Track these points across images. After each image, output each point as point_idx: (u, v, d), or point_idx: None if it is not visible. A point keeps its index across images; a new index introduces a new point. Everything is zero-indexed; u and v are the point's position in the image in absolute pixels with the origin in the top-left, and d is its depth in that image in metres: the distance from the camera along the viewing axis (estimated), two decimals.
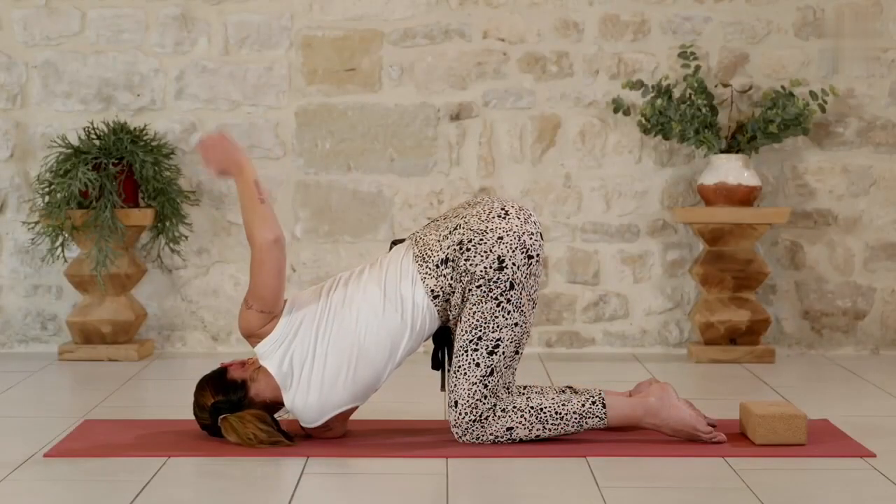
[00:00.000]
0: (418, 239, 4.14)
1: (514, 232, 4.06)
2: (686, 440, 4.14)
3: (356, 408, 4.17)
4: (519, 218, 4.08)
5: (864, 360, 5.89)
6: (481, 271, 4.03)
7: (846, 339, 6.06)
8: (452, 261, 4.05)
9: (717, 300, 5.80)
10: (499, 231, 4.06)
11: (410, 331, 4.07)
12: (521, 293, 4.07)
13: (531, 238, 4.08)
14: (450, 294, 4.06)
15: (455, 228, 4.09)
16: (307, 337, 4.08)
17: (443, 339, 4.16)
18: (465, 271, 4.04)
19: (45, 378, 5.39)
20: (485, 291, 4.04)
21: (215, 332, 6.03)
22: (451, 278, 4.05)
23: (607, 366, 5.71)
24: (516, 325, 4.07)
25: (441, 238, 4.09)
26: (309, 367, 4.06)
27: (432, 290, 4.05)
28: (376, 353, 4.07)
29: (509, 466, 3.88)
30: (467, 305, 4.06)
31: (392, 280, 4.08)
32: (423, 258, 4.07)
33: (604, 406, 4.11)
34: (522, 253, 4.06)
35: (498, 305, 4.05)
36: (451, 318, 4.11)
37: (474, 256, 4.03)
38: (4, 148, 5.99)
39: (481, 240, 4.04)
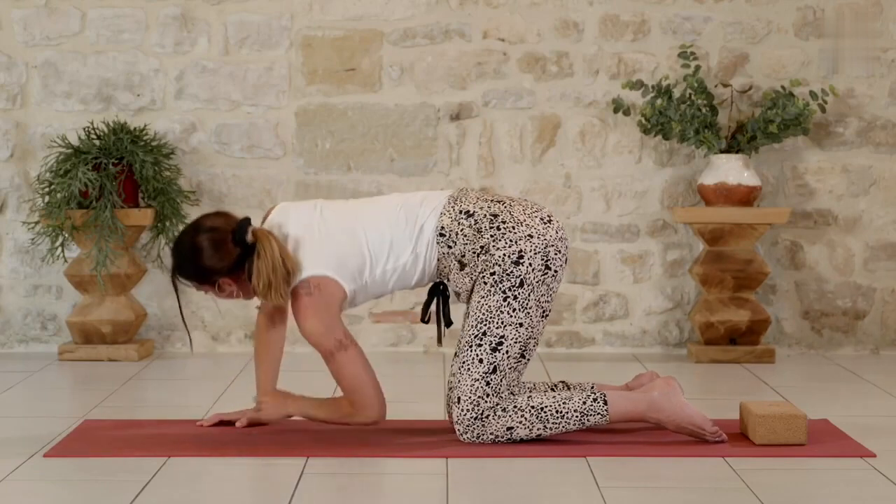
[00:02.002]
0: (465, 189, 4.24)
1: (546, 239, 4.11)
2: (688, 437, 4.14)
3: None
4: (557, 232, 4.15)
5: (864, 360, 5.89)
6: (499, 257, 4.07)
7: (846, 339, 6.05)
8: (478, 222, 4.11)
9: (717, 300, 5.80)
10: (532, 230, 4.10)
11: (413, 248, 4.12)
12: (529, 294, 4.08)
13: (556, 253, 4.12)
14: (453, 244, 4.09)
15: (499, 202, 4.17)
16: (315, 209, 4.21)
17: (436, 291, 4.26)
18: (483, 247, 4.07)
19: (45, 378, 5.39)
20: (496, 281, 4.06)
21: (215, 332, 6.03)
22: (465, 234, 4.10)
23: (607, 366, 5.71)
24: (521, 325, 4.08)
25: (482, 199, 4.17)
26: (311, 228, 4.14)
27: (442, 228, 4.11)
28: (374, 243, 4.11)
29: (509, 466, 3.88)
30: (475, 298, 4.09)
31: (416, 200, 4.19)
32: (455, 200, 4.16)
33: (605, 403, 4.10)
34: (542, 260, 4.09)
35: (504, 300, 4.07)
36: (446, 277, 4.16)
37: (499, 240, 4.08)
38: (4, 148, 5.99)
39: (513, 228, 4.10)
